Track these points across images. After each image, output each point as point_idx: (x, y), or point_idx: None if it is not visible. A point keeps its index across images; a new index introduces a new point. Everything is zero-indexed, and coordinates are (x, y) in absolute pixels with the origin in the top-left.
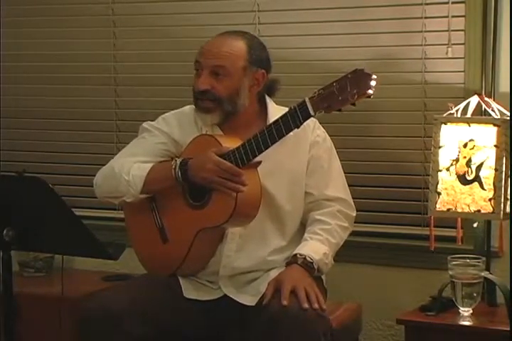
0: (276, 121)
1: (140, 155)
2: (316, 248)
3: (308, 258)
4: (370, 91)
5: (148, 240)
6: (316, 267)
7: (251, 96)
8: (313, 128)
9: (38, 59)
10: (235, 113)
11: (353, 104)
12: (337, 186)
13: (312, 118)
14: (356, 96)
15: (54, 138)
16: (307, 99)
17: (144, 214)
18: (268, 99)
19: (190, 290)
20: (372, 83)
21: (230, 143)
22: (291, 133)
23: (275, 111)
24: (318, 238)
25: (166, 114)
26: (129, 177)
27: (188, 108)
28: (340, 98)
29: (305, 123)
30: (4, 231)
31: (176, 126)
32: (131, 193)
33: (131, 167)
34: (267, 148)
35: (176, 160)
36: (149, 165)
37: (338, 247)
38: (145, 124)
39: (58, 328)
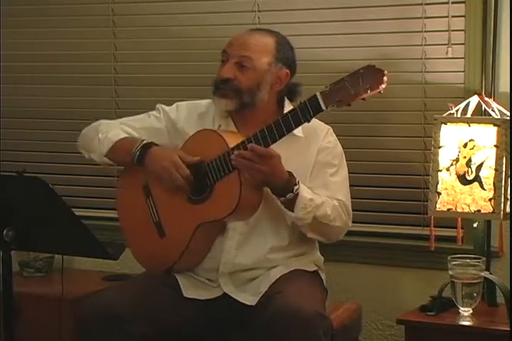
0: (285, 115)
1: (131, 127)
2: (311, 193)
3: (297, 183)
4: (383, 86)
5: (144, 235)
6: (295, 190)
7: (271, 94)
8: (325, 134)
9: (38, 59)
10: (251, 106)
11: (364, 99)
12: (340, 191)
13: (327, 126)
14: (369, 91)
15: (54, 138)
16: (318, 94)
17: (139, 208)
18: (287, 102)
19: (189, 290)
20: (385, 78)
21: (233, 139)
22: (299, 128)
23: None
24: (318, 195)
25: (182, 102)
26: (102, 136)
27: (206, 101)
28: (352, 92)
29: (319, 128)
30: (4, 231)
31: (184, 115)
32: (98, 152)
33: (112, 129)
34: (274, 142)
35: (142, 141)
36: (124, 135)
37: (326, 220)
38: (158, 105)
39: (58, 328)
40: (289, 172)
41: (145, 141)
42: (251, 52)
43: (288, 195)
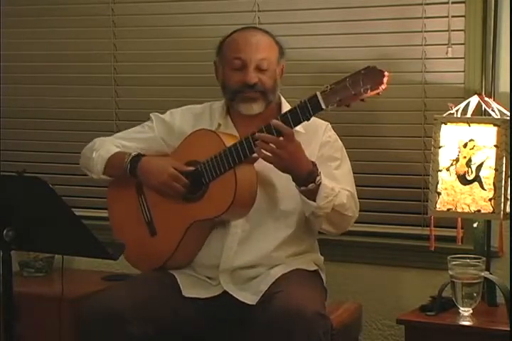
0: (284, 114)
1: (125, 138)
2: (331, 182)
3: (319, 174)
4: (383, 87)
5: (133, 233)
6: (317, 181)
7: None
8: (324, 130)
9: (38, 59)
10: (272, 103)
11: (362, 100)
12: (347, 182)
13: (325, 122)
14: (369, 91)
15: (54, 138)
16: (318, 93)
17: (131, 206)
18: (282, 98)
19: (189, 289)
20: (385, 80)
21: (230, 139)
22: (300, 128)
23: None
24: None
25: (176, 109)
26: (95, 155)
27: (200, 105)
28: (353, 92)
29: (318, 124)
30: (4, 231)
31: (179, 117)
32: (95, 172)
33: (103, 146)
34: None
35: (130, 154)
36: (116, 149)
37: (341, 209)
38: (151, 114)
39: (58, 328)
40: (313, 163)
41: (133, 154)
42: (265, 54)
43: (310, 185)
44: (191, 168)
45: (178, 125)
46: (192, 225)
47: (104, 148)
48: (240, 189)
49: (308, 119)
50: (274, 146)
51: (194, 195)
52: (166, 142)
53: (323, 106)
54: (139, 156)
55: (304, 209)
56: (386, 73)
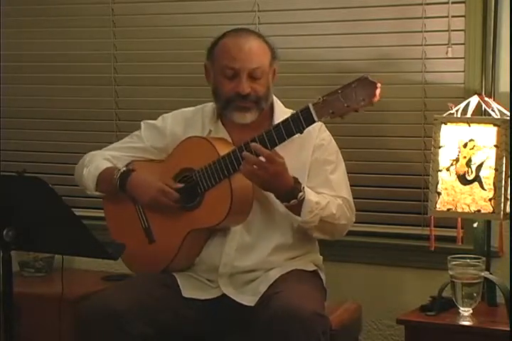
0: (277, 126)
1: (115, 149)
2: (316, 196)
3: (302, 190)
4: (375, 99)
5: (132, 240)
6: (299, 197)
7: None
8: (318, 132)
9: (38, 59)
10: (265, 108)
11: (356, 111)
12: (342, 188)
13: (318, 122)
14: (362, 104)
15: (54, 138)
16: (311, 105)
17: (128, 214)
18: (275, 99)
19: (188, 290)
20: (377, 91)
21: (223, 147)
22: (296, 136)
23: (282, 113)
24: (322, 196)
25: (167, 114)
26: (86, 172)
27: (191, 108)
28: (346, 105)
29: (310, 128)
30: (4, 231)
31: (170, 121)
32: (89, 188)
33: (94, 161)
34: None
35: (119, 169)
36: (105, 165)
37: (332, 219)
38: (142, 122)
39: (58, 328)
40: (295, 179)
41: (122, 170)
42: (259, 62)
43: (292, 202)
44: (180, 185)
45: (169, 129)
46: (189, 233)
47: (94, 163)
48: (236, 198)
49: (301, 132)
50: (255, 167)
51: (190, 204)
52: (158, 148)
53: (316, 119)
54: (128, 172)
55: (292, 221)
56: (378, 85)
